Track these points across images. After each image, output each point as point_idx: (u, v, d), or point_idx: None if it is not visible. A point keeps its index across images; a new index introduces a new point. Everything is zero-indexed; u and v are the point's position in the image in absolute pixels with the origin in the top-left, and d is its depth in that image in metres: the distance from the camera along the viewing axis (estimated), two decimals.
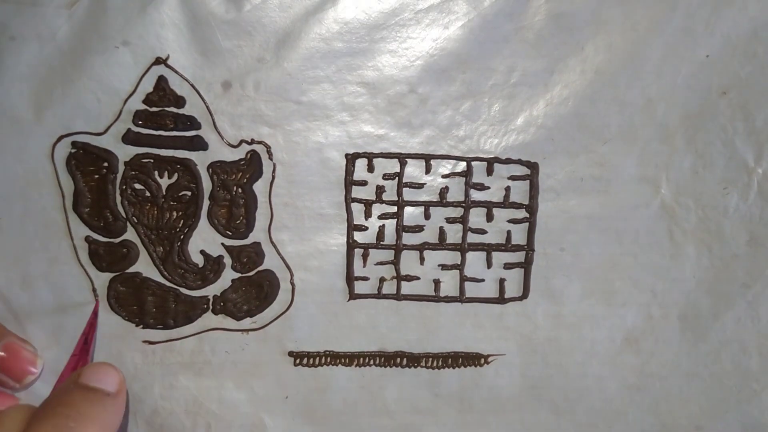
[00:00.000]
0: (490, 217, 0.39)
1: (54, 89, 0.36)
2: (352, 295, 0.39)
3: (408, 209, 0.38)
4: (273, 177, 0.37)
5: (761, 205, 0.38)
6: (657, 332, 0.39)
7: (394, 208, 0.38)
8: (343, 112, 0.37)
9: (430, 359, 0.39)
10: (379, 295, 0.39)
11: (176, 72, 0.36)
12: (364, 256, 0.38)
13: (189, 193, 0.37)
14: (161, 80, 0.36)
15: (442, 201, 0.38)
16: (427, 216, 0.38)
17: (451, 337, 0.39)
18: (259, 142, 0.37)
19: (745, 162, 0.38)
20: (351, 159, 0.37)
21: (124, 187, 0.37)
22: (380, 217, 0.38)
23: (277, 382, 0.39)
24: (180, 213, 0.37)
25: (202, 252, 0.38)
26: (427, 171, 0.38)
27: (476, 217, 0.39)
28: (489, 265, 0.39)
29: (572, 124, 0.37)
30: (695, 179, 0.38)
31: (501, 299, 0.39)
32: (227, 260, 0.38)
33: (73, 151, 0.36)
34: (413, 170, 0.38)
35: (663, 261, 0.39)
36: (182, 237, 0.37)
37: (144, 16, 0.36)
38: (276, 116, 0.37)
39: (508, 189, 0.38)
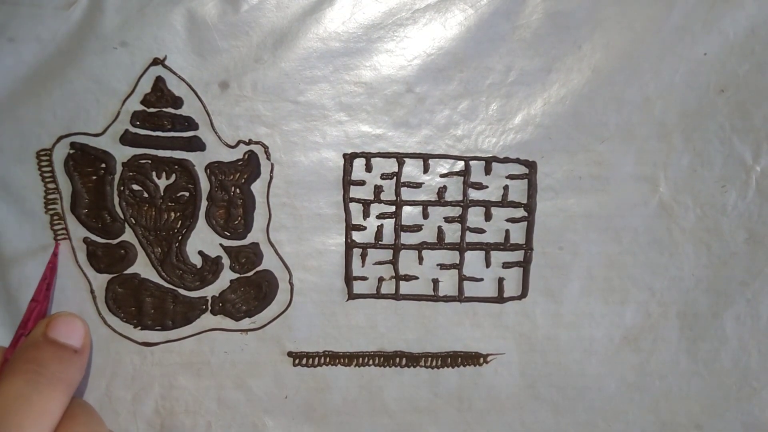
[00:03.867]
0: (488, 217, 0.39)
1: (53, 90, 0.36)
2: (351, 295, 0.39)
3: (406, 209, 0.38)
4: (271, 177, 0.37)
5: (760, 202, 0.38)
6: (656, 330, 0.39)
7: (393, 208, 0.38)
8: (340, 112, 0.37)
9: (429, 359, 0.39)
10: (377, 295, 0.39)
11: (173, 72, 0.36)
12: (363, 256, 0.38)
13: (187, 194, 0.37)
14: (159, 81, 0.36)
15: (441, 200, 0.38)
16: (425, 215, 0.38)
17: (450, 336, 0.39)
18: (257, 143, 0.37)
19: (743, 160, 0.38)
20: (349, 159, 0.37)
21: (122, 188, 0.37)
22: (378, 217, 0.38)
23: (277, 382, 0.39)
24: (178, 214, 0.37)
25: (201, 253, 0.38)
26: (425, 170, 0.38)
27: (475, 216, 0.39)
28: (488, 264, 0.39)
29: (570, 122, 0.37)
30: (693, 177, 0.38)
31: (500, 298, 0.39)
32: (225, 261, 0.38)
33: (71, 152, 0.36)
34: (411, 170, 0.38)
35: (662, 259, 0.39)
36: (180, 238, 0.37)
37: (141, 17, 0.36)
38: (273, 116, 0.37)
39: (506, 188, 0.38)
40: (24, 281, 0.37)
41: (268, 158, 0.37)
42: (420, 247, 0.39)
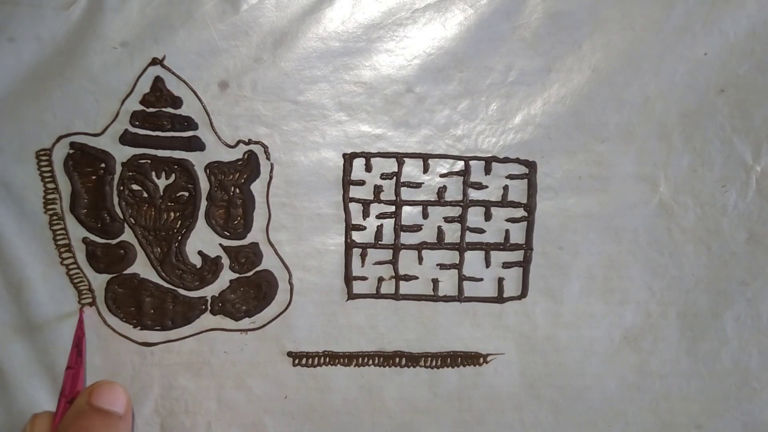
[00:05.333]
0: (488, 216, 0.39)
1: (53, 90, 0.36)
2: (351, 295, 0.39)
3: (406, 209, 0.38)
4: (270, 177, 0.37)
5: (760, 202, 0.38)
6: (656, 331, 0.39)
7: (392, 208, 0.38)
8: (340, 112, 0.37)
9: (429, 359, 0.39)
10: (377, 295, 0.39)
11: (172, 72, 0.36)
12: (363, 256, 0.38)
13: (186, 194, 0.37)
14: (158, 81, 0.36)
15: (440, 200, 0.38)
16: (425, 215, 0.38)
17: (450, 336, 0.39)
18: (257, 143, 0.37)
19: (744, 160, 0.38)
20: (349, 159, 0.37)
21: (121, 188, 0.37)
22: (378, 217, 0.38)
23: (277, 382, 0.39)
24: (177, 214, 0.37)
25: (200, 253, 0.38)
26: (425, 170, 0.38)
27: (474, 216, 0.39)
28: (488, 264, 0.39)
29: (570, 122, 0.37)
30: (694, 177, 0.38)
31: (500, 298, 0.39)
32: (225, 261, 0.38)
33: (71, 152, 0.36)
34: (411, 170, 0.38)
35: (662, 259, 0.39)
36: (180, 238, 0.37)
37: (141, 16, 0.36)
38: (273, 116, 0.37)
39: (506, 188, 0.38)
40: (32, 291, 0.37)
41: (268, 158, 0.37)
42: (420, 247, 0.39)
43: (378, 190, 0.38)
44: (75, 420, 0.33)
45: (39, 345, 0.37)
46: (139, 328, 0.38)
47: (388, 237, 0.38)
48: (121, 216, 0.37)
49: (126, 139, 0.36)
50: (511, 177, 0.38)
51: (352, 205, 0.38)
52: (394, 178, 0.38)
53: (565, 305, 0.39)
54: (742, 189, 0.38)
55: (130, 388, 0.38)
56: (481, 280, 0.39)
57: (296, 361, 0.39)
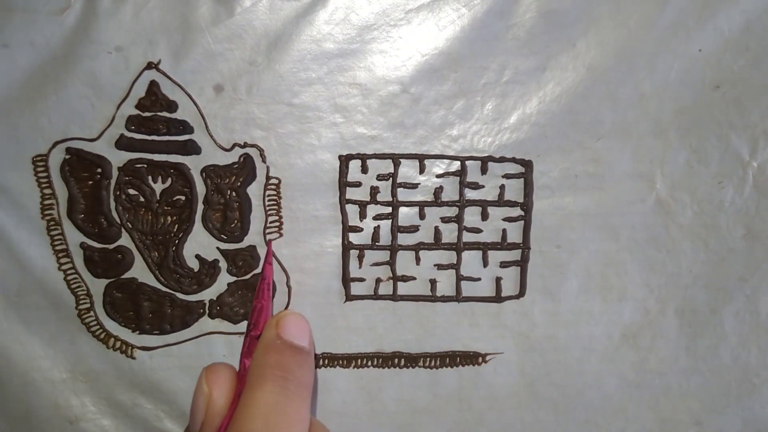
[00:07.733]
0: (485, 216, 0.38)
1: (48, 95, 0.36)
2: (349, 297, 0.39)
3: (403, 209, 0.38)
4: (267, 180, 0.37)
5: (757, 198, 0.38)
6: (655, 328, 0.39)
7: (389, 209, 0.38)
8: (335, 114, 0.37)
9: (428, 359, 0.39)
10: (375, 296, 0.39)
11: (167, 77, 0.36)
12: (360, 258, 0.38)
13: (183, 198, 0.37)
14: (153, 85, 0.36)
15: (437, 201, 0.38)
16: (422, 216, 0.38)
17: (449, 336, 0.39)
18: (252, 145, 0.37)
19: (740, 156, 0.38)
20: (344, 160, 0.37)
21: (118, 192, 0.37)
22: (375, 218, 0.38)
23: None
24: (174, 218, 0.37)
25: (198, 256, 0.38)
26: (421, 171, 0.38)
27: (471, 216, 0.38)
28: (485, 263, 0.39)
29: (565, 121, 0.37)
30: (690, 174, 0.38)
31: (498, 298, 0.39)
32: (223, 264, 0.38)
33: (67, 157, 0.36)
34: (407, 170, 0.38)
35: (659, 256, 0.39)
36: (177, 242, 0.37)
37: (136, 21, 0.35)
38: (268, 119, 0.37)
39: (502, 187, 0.38)
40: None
41: (264, 161, 0.37)
42: (417, 248, 0.38)
43: (374, 191, 0.38)
44: (269, 355, 0.31)
45: (36, 352, 0.37)
46: (137, 332, 0.38)
47: (385, 238, 0.38)
48: (118, 221, 0.37)
49: (122, 143, 0.36)
50: (507, 176, 0.38)
51: (349, 207, 0.38)
52: (391, 179, 0.38)
53: (564, 304, 0.39)
54: (739, 185, 0.38)
55: (130, 392, 0.38)
56: (479, 279, 0.39)
57: None
